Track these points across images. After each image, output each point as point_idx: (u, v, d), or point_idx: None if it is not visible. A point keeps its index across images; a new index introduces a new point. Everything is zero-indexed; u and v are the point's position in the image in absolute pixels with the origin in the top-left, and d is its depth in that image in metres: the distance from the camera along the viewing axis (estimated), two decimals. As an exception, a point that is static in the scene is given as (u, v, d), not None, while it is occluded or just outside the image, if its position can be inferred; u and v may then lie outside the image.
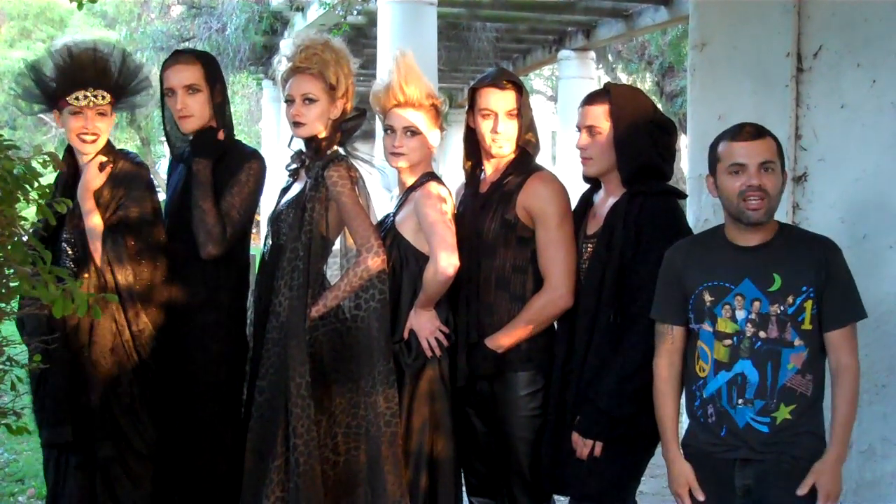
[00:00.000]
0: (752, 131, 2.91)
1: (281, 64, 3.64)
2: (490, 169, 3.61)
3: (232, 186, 3.64)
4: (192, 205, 3.59)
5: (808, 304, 2.84)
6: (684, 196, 3.55)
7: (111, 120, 3.81)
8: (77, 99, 3.69)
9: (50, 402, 3.61)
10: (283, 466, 3.41)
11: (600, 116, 3.39)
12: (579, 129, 3.46)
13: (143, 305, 3.66)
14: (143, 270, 3.67)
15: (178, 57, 3.77)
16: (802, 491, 2.84)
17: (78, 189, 3.69)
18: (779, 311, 2.85)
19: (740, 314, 2.89)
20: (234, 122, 3.93)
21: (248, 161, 3.70)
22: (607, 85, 3.53)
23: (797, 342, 2.85)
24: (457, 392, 3.55)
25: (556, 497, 3.67)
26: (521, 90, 3.53)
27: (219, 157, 3.69)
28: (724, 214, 2.99)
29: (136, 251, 3.66)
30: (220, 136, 3.72)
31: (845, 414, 2.86)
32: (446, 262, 3.42)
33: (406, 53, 3.65)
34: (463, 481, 3.69)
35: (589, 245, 3.43)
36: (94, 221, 3.65)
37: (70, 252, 3.69)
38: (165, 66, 3.75)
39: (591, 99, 3.47)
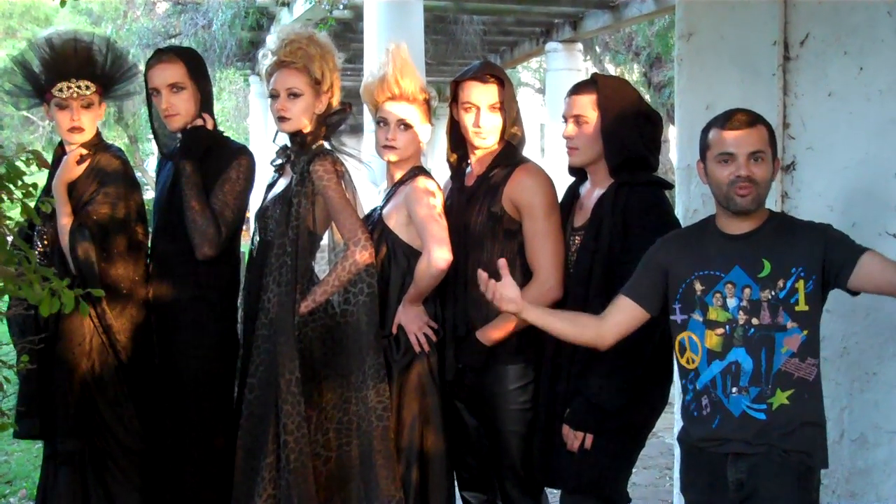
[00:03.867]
0: (743, 119, 2.87)
1: (266, 58, 3.62)
2: (476, 162, 3.60)
3: (223, 184, 3.62)
4: (183, 207, 3.57)
5: (801, 285, 2.81)
6: (671, 186, 3.54)
7: (99, 111, 3.80)
8: (61, 91, 3.68)
9: (19, 397, 3.63)
10: (275, 464, 3.41)
11: (587, 106, 3.38)
12: (566, 118, 3.45)
13: (118, 303, 3.64)
14: (111, 266, 3.65)
15: (160, 56, 3.75)
16: None
17: (53, 181, 3.68)
18: (770, 297, 2.82)
19: (731, 302, 2.86)
20: (223, 118, 3.92)
21: (237, 157, 3.69)
22: (594, 75, 3.52)
23: (790, 325, 2.82)
24: (447, 386, 3.55)
25: (547, 490, 3.67)
26: (504, 84, 3.51)
27: (207, 154, 3.67)
28: (714, 202, 2.98)
29: (103, 246, 3.64)
30: (210, 125, 3.70)
31: None
32: (439, 256, 3.41)
33: (401, 46, 3.63)
34: (455, 476, 3.68)
35: (577, 237, 3.42)
36: (66, 216, 3.64)
37: (41, 246, 3.68)
38: (149, 66, 3.74)
39: (578, 89, 3.45)
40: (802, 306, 2.82)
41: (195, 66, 3.75)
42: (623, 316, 3.03)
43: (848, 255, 2.80)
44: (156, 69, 3.70)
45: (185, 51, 3.83)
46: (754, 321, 2.84)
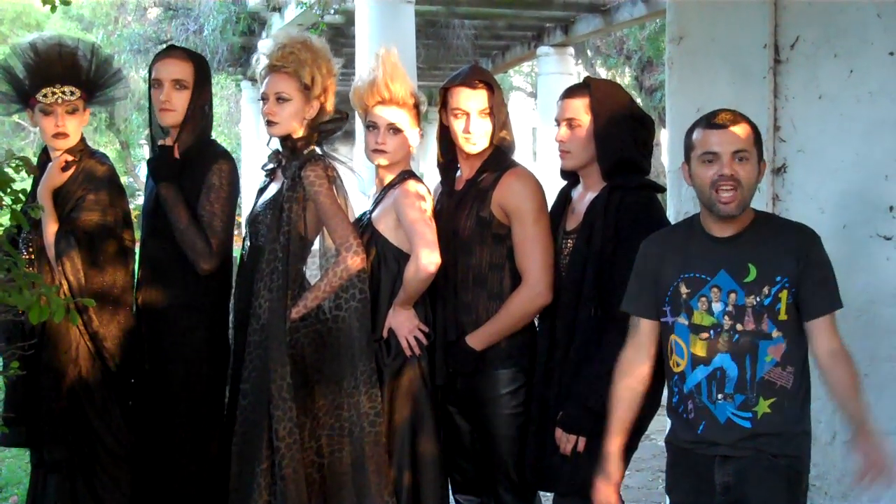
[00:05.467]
0: (726, 118, 2.84)
1: (259, 62, 3.62)
2: (465, 167, 3.60)
3: (208, 193, 3.58)
4: (172, 228, 3.56)
5: (784, 295, 2.79)
6: (663, 190, 3.54)
7: (84, 116, 3.78)
8: (45, 96, 3.67)
9: (5, 404, 3.62)
10: (270, 470, 3.39)
11: (580, 109, 3.37)
12: (558, 122, 3.45)
13: (107, 309, 3.63)
14: (99, 273, 3.64)
15: (171, 51, 3.76)
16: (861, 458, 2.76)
17: (38, 188, 3.66)
18: (755, 303, 2.80)
19: (717, 306, 2.83)
20: (214, 123, 3.89)
21: (217, 162, 3.64)
22: (587, 79, 3.52)
23: (775, 334, 2.80)
24: (439, 390, 3.54)
25: (540, 493, 3.67)
26: (493, 89, 3.50)
27: (188, 159, 3.65)
28: (699, 204, 2.96)
29: (90, 253, 3.62)
30: (176, 153, 3.66)
31: (857, 390, 2.79)
32: (427, 259, 3.40)
33: (391, 51, 3.63)
34: (448, 479, 3.67)
35: (569, 241, 3.42)
36: (51, 224, 3.62)
37: (26, 253, 3.67)
38: (157, 59, 3.73)
39: (571, 92, 3.45)
40: (783, 315, 2.81)
41: (202, 72, 3.74)
42: (651, 337, 3.02)
43: (814, 306, 2.81)
44: (165, 62, 3.69)
45: (196, 55, 3.83)
46: (738, 327, 2.81)
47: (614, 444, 3.03)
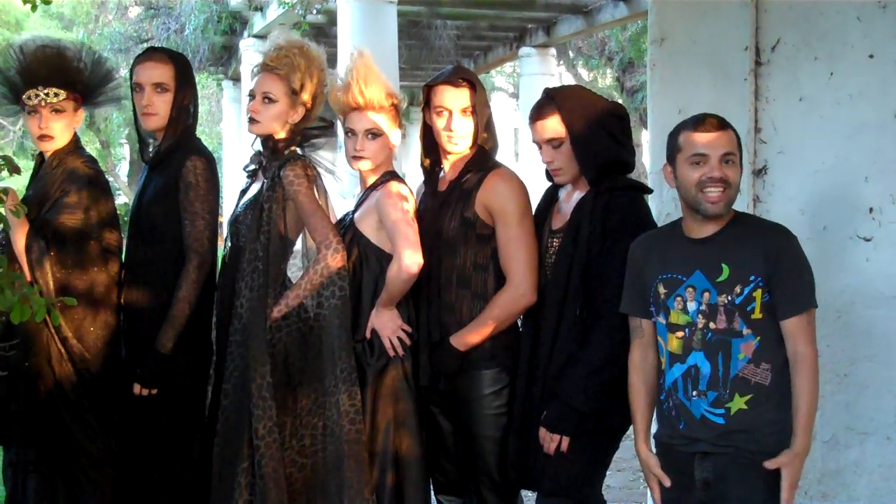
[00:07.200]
0: (714, 123, 2.90)
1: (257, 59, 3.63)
2: (448, 167, 3.60)
3: (187, 192, 3.58)
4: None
5: (758, 294, 2.83)
6: (649, 191, 3.56)
7: (73, 117, 3.76)
8: (29, 98, 3.66)
9: None
10: (250, 469, 3.39)
11: (555, 127, 3.35)
12: (538, 144, 3.43)
13: (91, 309, 3.61)
14: (78, 275, 3.62)
15: (151, 54, 3.75)
16: (771, 466, 2.82)
17: None
18: (726, 301, 2.84)
19: (691, 306, 2.89)
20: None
21: (191, 159, 3.62)
22: (549, 92, 3.47)
23: (746, 331, 2.84)
24: (422, 391, 3.54)
25: (523, 492, 3.67)
26: (475, 88, 3.50)
27: (164, 158, 3.65)
28: (681, 206, 2.99)
29: (66, 255, 3.60)
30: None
31: (807, 403, 2.82)
32: (410, 259, 3.40)
33: (364, 54, 3.61)
34: (430, 480, 3.68)
35: (555, 240, 3.42)
36: (20, 227, 3.59)
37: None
38: (137, 62, 3.72)
39: (540, 113, 3.40)
40: (758, 314, 2.85)
41: (183, 72, 3.73)
42: (654, 337, 3.06)
43: (786, 306, 2.84)
44: (145, 65, 3.68)
45: (177, 55, 3.82)
46: (711, 325, 2.87)
47: (643, 448, 3.10)
